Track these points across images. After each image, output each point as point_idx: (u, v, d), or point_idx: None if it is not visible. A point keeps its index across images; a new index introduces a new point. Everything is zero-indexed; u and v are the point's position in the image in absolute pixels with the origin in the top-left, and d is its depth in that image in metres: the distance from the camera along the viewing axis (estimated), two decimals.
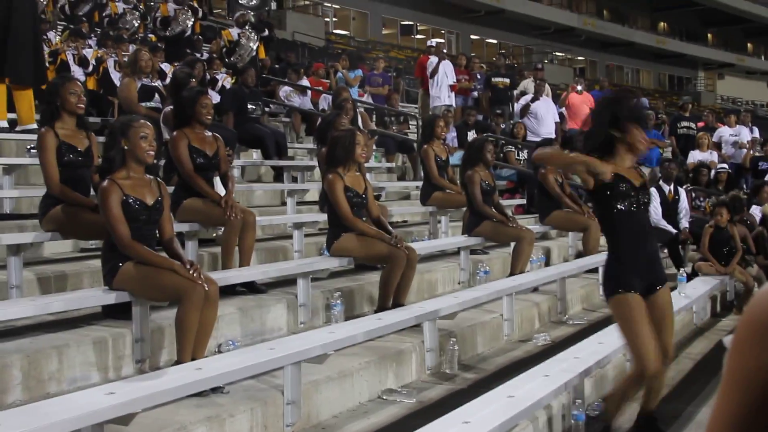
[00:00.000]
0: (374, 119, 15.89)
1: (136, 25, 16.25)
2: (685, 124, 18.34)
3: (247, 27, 15.95)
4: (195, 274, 5.30)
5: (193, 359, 5.17)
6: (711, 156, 16.44)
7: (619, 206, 5.13)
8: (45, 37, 12.43)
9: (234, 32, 16.14)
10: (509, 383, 5.28)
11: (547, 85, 17.19)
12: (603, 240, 11.41)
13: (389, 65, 29.49)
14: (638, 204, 5.17)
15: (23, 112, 9.79)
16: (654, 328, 5.36)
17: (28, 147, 9.14)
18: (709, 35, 66.20)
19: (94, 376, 5.33)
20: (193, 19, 15.53)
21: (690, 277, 9.97)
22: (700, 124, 19.05)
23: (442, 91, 16.84)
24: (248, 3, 15.95)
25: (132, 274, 5.45)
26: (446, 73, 16.93)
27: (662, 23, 63.33)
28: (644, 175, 5.39)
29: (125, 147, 5.55)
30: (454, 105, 17.16)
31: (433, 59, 17.10)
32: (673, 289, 8.98)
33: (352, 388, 5.86)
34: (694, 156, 16.33)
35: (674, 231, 11.71)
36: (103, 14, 16.74)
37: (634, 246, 5.21)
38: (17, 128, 10.01)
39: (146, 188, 5.63)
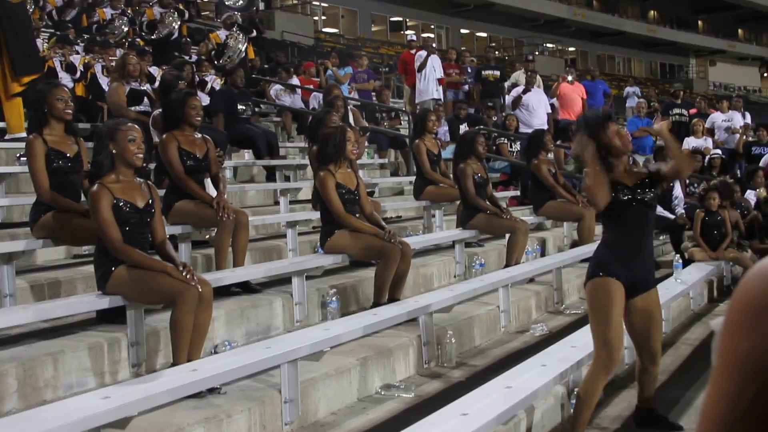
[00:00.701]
0: (364, 116, 15.87)
1: (125, 30, 16.20)
2: (677, 111, 18.30)
3: (234, 28, 15.93)
4: (188, 276, 5.28)
5: (189, 361, 5.16)
6: (706, 142, 16.39)
7: (618, 205, 5.12)
8: None
9: (222, 34, 16.13)
10: (507, 374, 5.27)
11: (538, 77, 17.18)
12: (599, 229, 11.42)
13: (380, 61, 29.50)
14: (635, 200, 5.14)
15: (12, 121, 9.78)
16: (641, 331, 5.34)
17: (18, 155, 9.12)
18: (700, 22, 66.23)
19: (91, 382, 5.31)
20: (179, 21, 15.50)
21: (685, 264, 9.97)
22: (693, 111, 19.02)
23: (430, 85, 16.79)
24: (235, 4, 15.90)
25: (125, 278, 5.43)
26: (434, 67, 16.87)
27: (652, 12, 63.33)
28: (642, 172, 5.35)
29: (114, 151, 5.53)
30: (442, 99, 17.13)
31: (422, 53, 17.04)
32: (669, 275, 9.02)
33: (349, 384, 5.85)
34: (689, 143, 16.28)
35: (672, 217, 11.70)
36: (92, 20, 16.68)
37: (628, 237, 5.17)
38: (6, 137, 9.99)
39: (136, 191, 5.61)
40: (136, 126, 5.73)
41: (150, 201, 5.66)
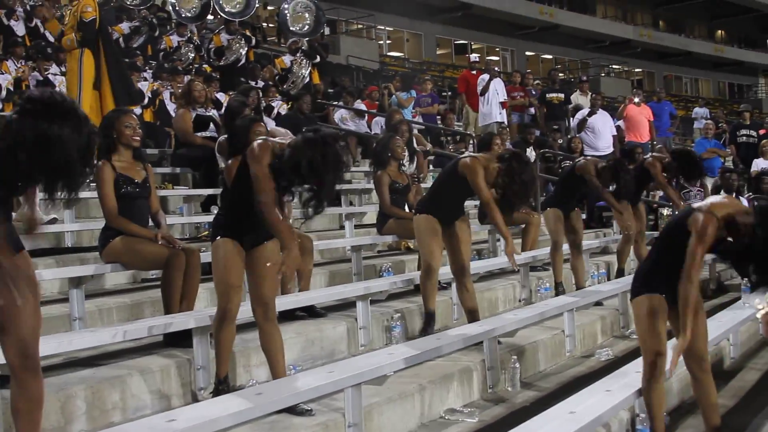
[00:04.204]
0: (429, 139, 15.89)
1: (191, 57, 16.42)
2: (745, 132, 18.04)
3: (298, 54, 16.06)
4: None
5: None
6: None
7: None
8: None
9: (287, 59, 16.27)
10: (570, 399, 5.22)
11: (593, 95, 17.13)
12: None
13: (442, 85, 29.51)
14: None
15: None
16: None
17: (88, 180, 9.26)
18: None
19: (157, 405, 5.37)
20: (246, 48, 15.68)
21: (753, 288, 9.79)
22: (762, 132, 18.73)
23: (493, 109, 16.77)
24: (300, 30, 16.02)
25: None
26: (497, 91, 16.86)
27: (719, 31, 62.54)
28: None
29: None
30: (505, 122, 17.08)
31: (484, 77, 17.04)
32: (737, 299, 8.88)
33: (413, 408, 5.84)
34: (758, 164, 16.03)
35: None
36: (158, 48, 16.93)
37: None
38: None
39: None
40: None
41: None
